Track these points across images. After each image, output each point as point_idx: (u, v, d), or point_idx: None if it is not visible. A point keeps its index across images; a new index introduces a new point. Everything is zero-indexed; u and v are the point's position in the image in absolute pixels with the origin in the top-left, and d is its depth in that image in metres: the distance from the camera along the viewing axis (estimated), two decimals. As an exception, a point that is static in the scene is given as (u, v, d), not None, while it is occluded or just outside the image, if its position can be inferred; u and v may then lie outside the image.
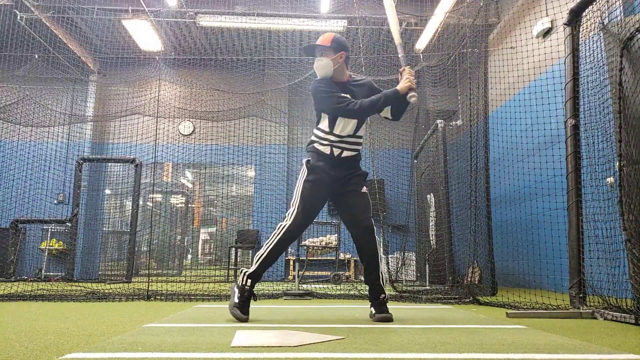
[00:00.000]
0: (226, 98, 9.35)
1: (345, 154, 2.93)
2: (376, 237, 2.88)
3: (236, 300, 2.78)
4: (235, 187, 10.63)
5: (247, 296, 2.81)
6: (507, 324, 2.73)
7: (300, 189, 2.89)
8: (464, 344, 1.97)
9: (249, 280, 2.83)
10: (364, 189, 2.95)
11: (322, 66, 2.94)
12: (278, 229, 2.87)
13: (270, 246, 2.84)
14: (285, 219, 2.87)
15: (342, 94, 2.89)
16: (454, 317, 3.01)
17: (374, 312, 2.82)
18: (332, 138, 2.92)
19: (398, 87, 2.87)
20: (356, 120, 2.91)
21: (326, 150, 2.92)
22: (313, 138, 3.00)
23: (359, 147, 3.00)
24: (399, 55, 3.05)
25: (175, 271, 10.43)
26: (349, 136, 2.93)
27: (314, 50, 3.00)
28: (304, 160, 2.96)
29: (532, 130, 5.37)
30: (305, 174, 2.91)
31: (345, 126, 2.91)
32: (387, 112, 3.03)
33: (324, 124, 2.94)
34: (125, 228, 8.85)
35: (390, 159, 9.23)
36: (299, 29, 8.38)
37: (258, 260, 2.85)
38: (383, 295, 2.84)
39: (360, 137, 3.00)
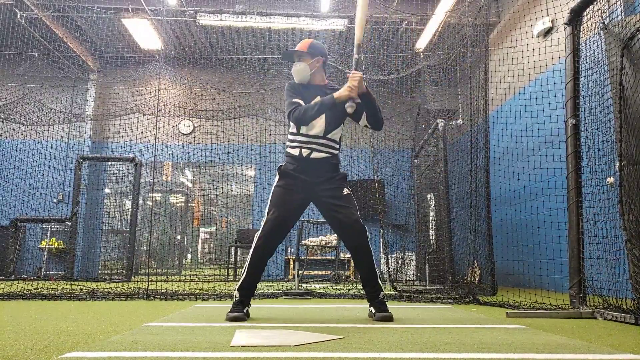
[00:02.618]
0: (226, 97, 9.34)
1: (315, 155, 2.89)
2: (367, 236, 2.83)
3: (230, 310, 2.81)
4: (235, 186, 10.62)
5: (236, 305, 2.82)
6: (507, 324, 2.73)
7: (271, 195, 2.90)
8: (464, 344, 1.96)
9: (238, 293, 2.85)
10: (346, 191, 2.89)
11: (299, 71, 2.96)
12: (254, 239, 2.88)
13: (249, 256, 2.86)
14: (261, 227, 2.88)
15: (295, 100, 2.87)
16: (454, 317, 3.01)
17: (373, 311, 2.82)
18: (300, 138, 2.91)
19: (336, 94, 2.77)
20: (323, 121, 2.87)
21: (295, 151, 2.91)
22: (287, 142, 3.01)
23: (333, 150, 2.95)
24: (354, 57, 2.92)
25: (175, 270, 10.43)
26: (318, 137, 2.89)
27: (292, 56, 3.01)
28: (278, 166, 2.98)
29: (533, 130, 5.36)
30: (276, 180, 2.94)
31: (311, 127, 2.89)
32: (364, 120, 2.94)
33: (292, 125, 2.96)
34: (125, 227, 8.83)
35: (390, 159, 9.22)
36: (299, 28, 8.37)
37: (243, 271, 2.88)
38: (382, 294, 2.85)
39: (335, 140, 2.94)
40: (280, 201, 2.86)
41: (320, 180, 2.89)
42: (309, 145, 2.89)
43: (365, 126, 2.98)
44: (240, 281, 2.87)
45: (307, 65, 2.96)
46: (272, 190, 2.93)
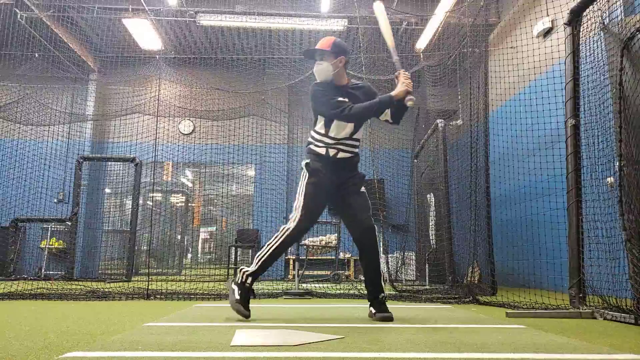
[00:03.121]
0: (226, 97, 9.34)
1: (341, 155, 2.94)
2: (376, 235, 2.89)
3: (237, 297, 2.80)
4: (235, 186, 10.62)
5: (247, 294, 2.82)
6: (507, 323, 2.73)
7: (304, 192, 2.89)
8: (464, 344, 1.96)
9: (249, 278, 2.84)
10: (362, 189, 2.98)
11: (322, 70, 2.94)
12: (281, 231, 2.88)
13: (272, 248, 2.86)
14: (290, 222, 2.87)
15: (341, 99, 2.87)
16: (454, 317, 3.01)
17: (373, 311, 2.82)
18: (328, 140, 2.92)
19: (393, 93, 2.85)
20: (353, 124, 2.91)
21: (322, 150, 2.93)
22: (310, 139, 3.02)
23: (355, 149, 3.01)
24: (393, 59, 3.02)
25: (175, 270, 10.42)
26: (345, 139, 2.93)
27: (314, 54, 3.00)
28: (303, 163, 2.97)
29: (533, 130, 5.36)
30: (307, 177, 2.92)
31: (340, 129, 2.91)
32: (386, 115, 3.00)
33: (320, 126, 2.95)
34: (125, 227, 8.83)
35: (390, 159, 9.21)
36: (299, 28, 8.38)
37: (259, 260, 2.86)
38: (382, 294, 2.85)
39: (358, 139, 3.00)
40: (313, 197, 2.88)
41: (343, 180, 2.94)
42: (337, 146, 2.93)
43: (386, 121, 3.04)
44: (256, 268, 2.84)
45: (330, 64, 2.93)
46: (303, 187, 2.91)
